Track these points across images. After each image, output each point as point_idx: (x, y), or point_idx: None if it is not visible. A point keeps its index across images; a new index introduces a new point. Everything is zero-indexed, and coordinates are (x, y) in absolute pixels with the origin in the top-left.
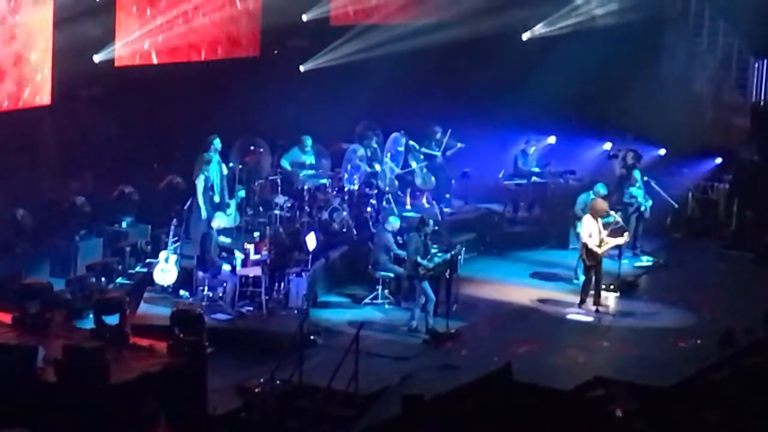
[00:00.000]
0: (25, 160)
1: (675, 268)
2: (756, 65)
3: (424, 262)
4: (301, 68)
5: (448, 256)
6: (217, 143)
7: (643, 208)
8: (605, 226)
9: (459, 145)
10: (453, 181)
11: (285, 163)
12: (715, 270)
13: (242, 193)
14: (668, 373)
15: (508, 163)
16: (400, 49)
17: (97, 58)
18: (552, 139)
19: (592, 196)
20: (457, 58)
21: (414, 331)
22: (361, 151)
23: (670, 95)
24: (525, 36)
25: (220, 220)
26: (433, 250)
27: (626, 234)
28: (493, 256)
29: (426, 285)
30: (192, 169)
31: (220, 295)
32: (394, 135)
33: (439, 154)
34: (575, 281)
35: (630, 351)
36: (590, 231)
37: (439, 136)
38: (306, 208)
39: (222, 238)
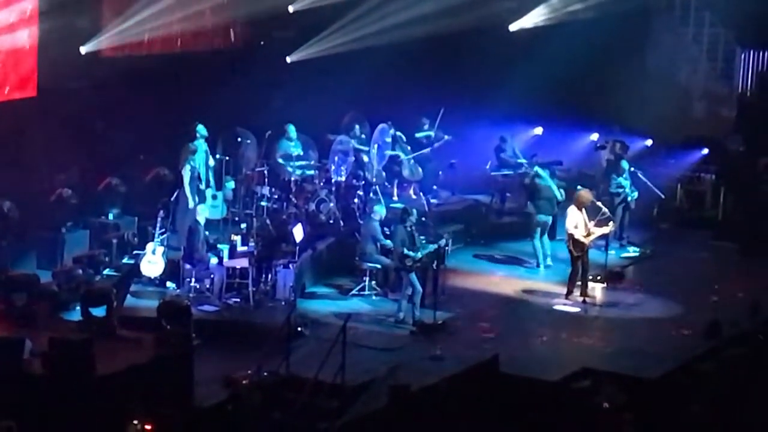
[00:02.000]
0: (11, 153)
1: (662, 259)
2: (742, 55)
3: (411, 253)
4: (288, 59)
5: (435, 247)
6: (202, 130)
7: (629, 199)
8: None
9: (446, 137)
10: (440, 173)
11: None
12: (702, 260)
13: (231, 185)
14: (654, 363)
15: (491, 155)
16: (387, 41)
17: (83, 50)
18: (539, 130)
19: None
20: (444, 49)
21: (401, 322)
22: (351, 143)
23: (656, 86)
24: (512, 27)
25: (202, 213)
26: (420, 241)
27: (611, 223)
28: (479, 247)
29: (413, 276)
30: (178, 160)
31: (207, 286)
32: (381, 126)
33: (432, 134)
34: (537, 267)
35: (616, 342)
36: (575, 222)
37: (426, 127)
38: (293, 199)
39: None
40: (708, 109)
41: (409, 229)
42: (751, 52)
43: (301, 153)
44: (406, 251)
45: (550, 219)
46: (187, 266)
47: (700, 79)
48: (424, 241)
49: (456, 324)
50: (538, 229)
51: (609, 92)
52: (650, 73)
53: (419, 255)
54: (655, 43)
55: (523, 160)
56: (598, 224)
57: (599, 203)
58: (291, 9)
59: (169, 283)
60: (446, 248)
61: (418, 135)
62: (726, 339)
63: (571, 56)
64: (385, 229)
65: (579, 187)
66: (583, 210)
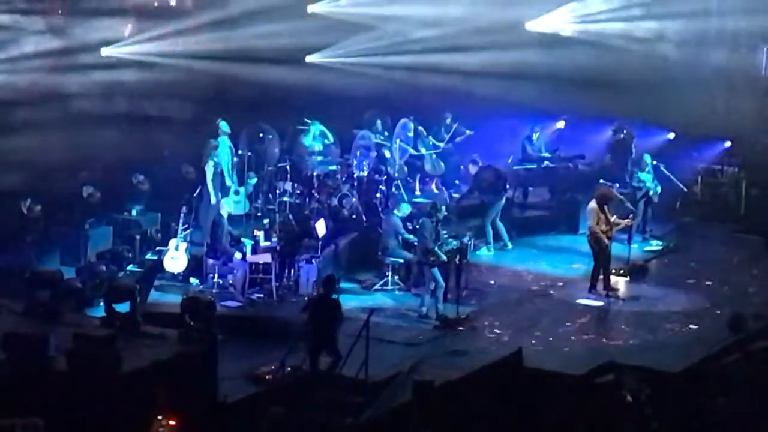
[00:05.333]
0: (34, 149)
1: (684, 252)
2: (765, 48)
3: (437, 251)
4: (307, 59)
5: (458, 243)
6: (224, 126)
7: (651, 193)
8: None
9: (468, 132)
10: (462, 167)
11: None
12: (725, 254)
13: (254, 181)
14: (678, 357)
15: (517, 149)
16: (408, 46)
17: (105, 52)
18: (561, 124)
19: None
20: (465, 45)
21: (424, 317)
22: (371, 138)
23: (679, 79)
24: (529, 26)
25: (226, 207)
26: (443, 236)
27: (632, 215)
28: (502, 241)
29: (436, 271)
30: (201, 156)
31: (230, 282)
32: (403, 121)
33: (442, 144)
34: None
35: (640, 336)
36: (595, 217)
37: (449, 121)
38: (315, 194)
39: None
40: (731, 102)
41: (435, 224)
42: None
43: (322, 147)
44: (431, 247)
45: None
46: (210, 261)
47: (723, 73)
48: (446, 237)
49: (479, 318)
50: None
51: (632, 86)
52: (673, 66)
53: (443, 253)
54: (678, 37)
55: (547, 154)
56: (620, 218)
57: (621, 197)
58: (309, 10)
59: (192, 279)
60: (469, 243)
61: (430, 140)
62: (750, 332)
63: (594, 50)
64: (408, 224)
65: (601, 181)
66: (605, 206)
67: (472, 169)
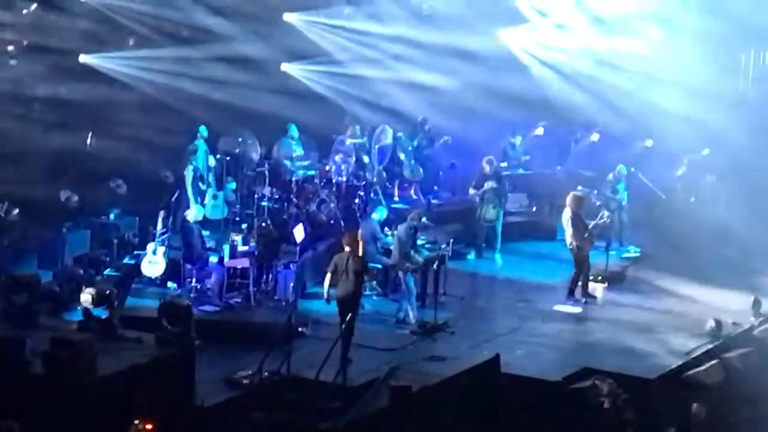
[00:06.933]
0: (11, 152)
1: (662, 259)
2: (744, 55)
3: (415, 256)
4: (282, 67)
5: (437, 250)
6: (203, 131)
7: (624, 202)
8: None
9: (445, 137)
10: (441, 173)
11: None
12: (703, 260)
13: (232, 185)
14: (655, 363)
15: (496, 155)
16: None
17: (82, 59)
18: (540, 131)
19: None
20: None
21: (402, 322)
22: (348, 142)
23: (655, 84)
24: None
25: (195, 213)
26: (420, 242)
27: (605, 214)
28: (480, 247)
29: (409, 277)
30: (179, 161)
31: (208, 286)
32: (381, 126)
33: (412, 147)
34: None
35: (617, 342)
36: (572, 224)
37: (428, 127)
38: (294, 199)
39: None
40: (709, 109)
41: (413, 231)
42: (752, 51)
43: (302, 153)
44: (411, 254)
45: None
46: (188, 266)
47: (700, 79)
48: (425, 243)
49: (457, 324)
50: None
51: (608, 92)
52: (650, 71)
53: (420, 258)
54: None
55: (527, 158)
56: (594, 221)
57: (597, 202)
58: (285, 17)
59: (170, 283)
60: (447, 249)
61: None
62: (728, 338)
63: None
64: (386, 228)
65: (579, 188)
66: (580, 211)
67: (488, 168)
